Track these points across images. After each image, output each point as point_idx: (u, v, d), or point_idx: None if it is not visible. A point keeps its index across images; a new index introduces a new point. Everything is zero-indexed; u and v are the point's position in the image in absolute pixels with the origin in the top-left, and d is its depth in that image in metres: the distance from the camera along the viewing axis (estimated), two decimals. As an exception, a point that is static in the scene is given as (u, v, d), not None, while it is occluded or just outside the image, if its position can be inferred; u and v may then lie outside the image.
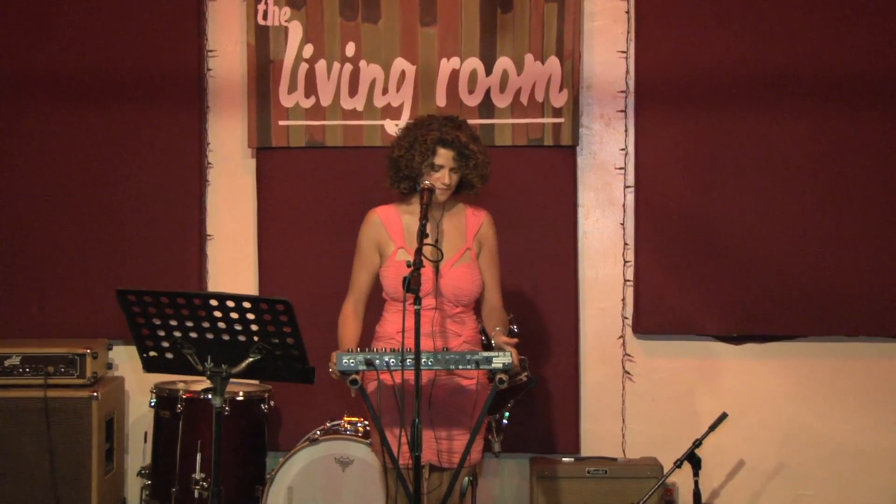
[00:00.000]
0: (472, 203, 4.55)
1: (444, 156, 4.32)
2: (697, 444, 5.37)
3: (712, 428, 5.43)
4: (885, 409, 5.81)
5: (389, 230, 4.45)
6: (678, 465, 5.36)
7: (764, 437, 5.85)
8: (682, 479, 5.59)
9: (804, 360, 5.85)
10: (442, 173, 4.34)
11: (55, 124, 5.90)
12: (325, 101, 5.80)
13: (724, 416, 5.46)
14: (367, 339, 4.48)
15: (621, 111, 5.84)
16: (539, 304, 5.82)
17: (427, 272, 4.25)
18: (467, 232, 4.48)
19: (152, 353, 4.04)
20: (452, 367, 4.19)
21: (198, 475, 5.28)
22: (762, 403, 5.85)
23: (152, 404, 5.48)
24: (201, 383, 5.28)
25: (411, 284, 3.92)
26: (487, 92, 5.76)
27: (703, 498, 5.48)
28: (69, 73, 5.89)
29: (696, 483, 5.39)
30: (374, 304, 4.53)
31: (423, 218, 4.20)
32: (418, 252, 4.03)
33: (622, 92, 5.84)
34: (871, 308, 5.75)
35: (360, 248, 4.51)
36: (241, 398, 5.43)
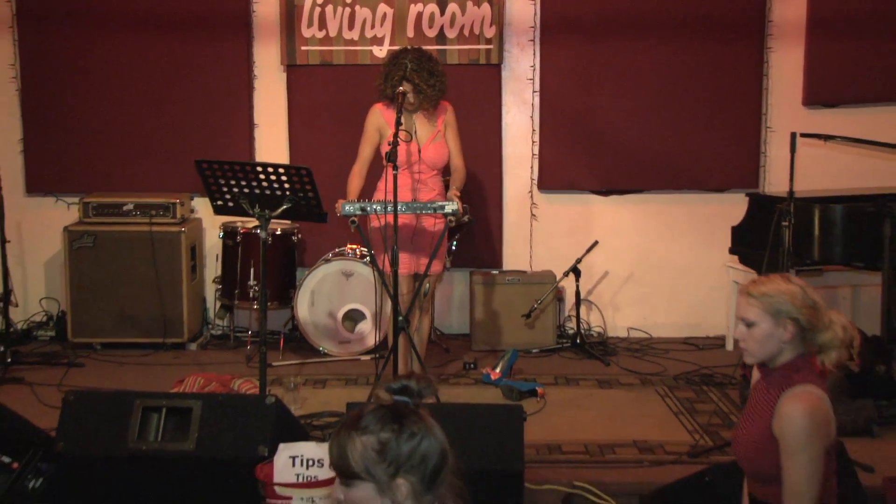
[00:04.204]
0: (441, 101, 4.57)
1: (406, 86, 4.35)
2: (578, 261, 5.57)
3: (588, 251, 5.61)
4: (699, 239, 5.85)
5: (387, 118, 4.45)
6: (565, 274, 5.55)
7: (621, 256, 5.90)
8: (568, 284, 5.71)
9: (649, 205, 5.87)
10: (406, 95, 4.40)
11: (146, 51, 5.72)
12: (332, 33, 5.66)
13: (595, 243, 5.63)
14: (370, 190, 4.55)
15: (531, 40, 5.75)
16: (476, 171, 5.64)
17: (411, 147, 4.36)
18: (438, 120, 4.52)
19: (219, 203, 4.10)
20: (419, 212, 4.36)
21: (252, 282, 5.37)
22: (620, 235, 5.88)
23: (221, 236, 5.52)
24: (253, 222, 5.09)
25: (390, 157, 4.02)
26: (442, 27, 5.66)
27: (582, 296, 5.64)
28: (157, 16, 5.69)
29: (577, 286, 5.61)
30: (376, 170, 4.56)
31: (399, 112, 4.23)
32: (395, 136, 4.10)
33: (532, 27, 5.73)
34: (694, 171, 5.79)
35: (367, 129, 4.51)
36: (279, 233, 5.48)
